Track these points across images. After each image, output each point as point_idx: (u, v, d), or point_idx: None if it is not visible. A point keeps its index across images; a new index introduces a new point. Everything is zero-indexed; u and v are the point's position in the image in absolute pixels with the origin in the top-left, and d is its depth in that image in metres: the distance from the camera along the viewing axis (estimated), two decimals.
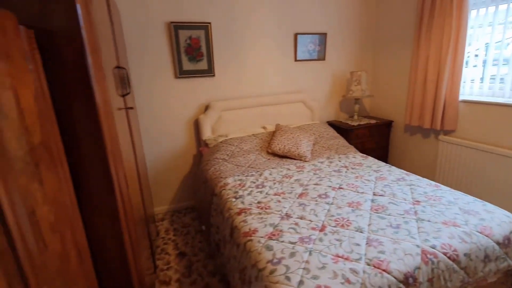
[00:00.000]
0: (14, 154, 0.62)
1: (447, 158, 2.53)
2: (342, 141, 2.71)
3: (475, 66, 2.38)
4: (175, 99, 2.67)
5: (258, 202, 1.64)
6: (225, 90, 2.82)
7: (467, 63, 2.39)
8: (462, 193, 1.66)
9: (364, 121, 3.06)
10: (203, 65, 2.68)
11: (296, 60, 3.00)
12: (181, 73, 2.62)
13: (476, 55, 2.36)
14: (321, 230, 1.32)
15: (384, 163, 2.20)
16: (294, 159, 2.37)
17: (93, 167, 1.04)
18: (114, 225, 1.12)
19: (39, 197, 0.71)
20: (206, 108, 2.75)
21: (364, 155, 2.43)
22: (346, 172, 2.05)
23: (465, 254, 1.20)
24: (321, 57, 3.10)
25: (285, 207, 1.56)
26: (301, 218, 1.44)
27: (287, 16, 2.86)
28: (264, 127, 2.85)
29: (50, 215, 0.75)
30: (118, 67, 1.48)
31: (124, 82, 1.57)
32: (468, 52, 2.37)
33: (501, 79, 2.22)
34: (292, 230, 1.33)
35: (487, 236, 1.28)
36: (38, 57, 0.83)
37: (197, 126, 2.77)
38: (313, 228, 1.34)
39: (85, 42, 0.96)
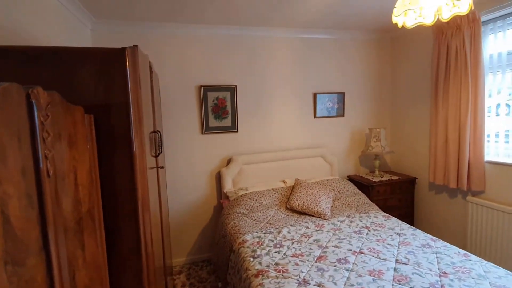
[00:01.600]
0: (68, 225, 0.74)
1: (477, 221, 2.39)
2: (363, 198, 2.67)
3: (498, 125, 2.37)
4: (200, 153, 2.85)
5: (276, 264, 1.63)
6: (247, 145, 2.97)
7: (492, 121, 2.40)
8: (493, 265, 1.55)
9: (386, 177, 3.03)
10: (227, 122, 2.90)
11: (315, 117, 3.16)
12: (207, 129, 2.84)
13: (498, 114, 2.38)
14: None
15: (408, 225, 2.13)
16: (313, 216, 2.36)
17: (126, 225, 1.14)
18: (138, 284, 1.18)
19: (80, 262, 0.80)
20: (229, 161, 2.89)
21: (387, 214, 2.37)
22: (367, 234, 2.00)
23: None
24: (340, 114, 3.24)
25: (303, 272, 1.54)
26: (319, 285, 1.41)
27: (306, 77, 3.10)
28: (284, 181, 2.90)
29: (86, 279, 0.83)
30: (154, 131, 1.67)
31: (157, 144, 1.75)
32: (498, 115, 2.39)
33: None
34: None
35: None
36: (94, 134, 1.00)
37: (219, 178, 2.89)
38: None
39: (131, 113, 1.14)
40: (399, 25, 1.48)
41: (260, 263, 1.65)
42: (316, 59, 3.12)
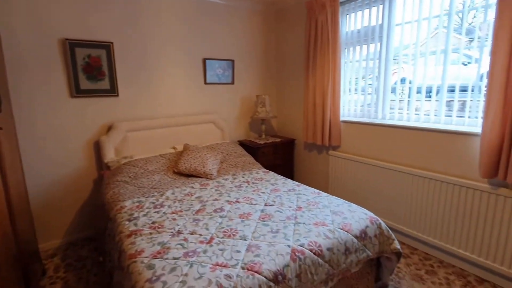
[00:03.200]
0: None
1: (336, 170, 2.96)
2: (249, 158, 2.90)
3: (355, 93, 2.91)
4: (71, 120, 2.46)
5: (153, 223, 1.62)
6: (131, 111, 2.74)
7: (350, 90, 2.91)
8: (335, 197, 1.97)
9: (270, 140, 3.35)
10: (104, 84, 2.57)
11: (206, 83, 3.15)
12: (78, 92, 2.45)
13: (356, 85, 2.91)
14: (208, 243, 1.38)
15: (282, 177, 2.44)
16: (201, 177, 2.43)
17: None
18: None
19: None
20: (109, 128, 2.61)
21: (267, 170, 2.65)
22: (246, 187, 2.20)
23: (328, 249, 1.42)
24: (230, 81, 3.32)
25: (178, 225, 1.58)
26: (192, 233, 1.48)
27: (196, 41, 3.01)
28: (174, 147, 2.84)
29: None
30: None
31: None
32: (350, 83, 2.89)
33: (368, 104, 2.77)
34: (179, 246, 1.36)
35: (347, 231, 1.55)
36: None
37: (98, 148, 2.59)
38: (200, 242, 1.39)
39: None
40: None
41: (135, 224, 1.60)
42: (207, 24, 3.05)
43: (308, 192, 2.04)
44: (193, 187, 2.19)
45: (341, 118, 2.90)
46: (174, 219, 1.65)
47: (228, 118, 3.39)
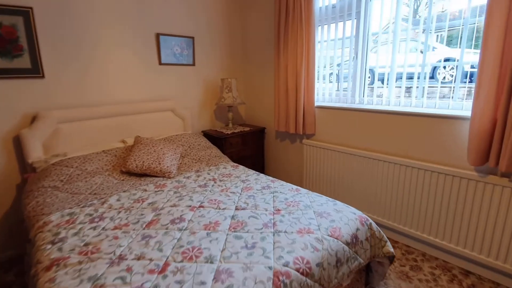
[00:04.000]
0: None
1: (311, 160, 2.71)
2: (214, 151, 2.52)
3: (330, 76, 2.65)
4: None
5: (85, 245, 1.20)
6: (64, 97, 2.19)
7: (324, 77, 2.64)
8: (317, 194, 1.70)
9: (238, 129, 2.99)
10: (23, 62, 1.99)
11: (161, 63, 2.66)
12: None
13: (330, 70, 2.64)
14: (160, 272, 1.02)
15: (253, 171, 2.12)
16: (156, 176, 2.01)
17: None
18: None
19: None
20: (33, 119, 2.05)
21: (236, 164, 2.31)
22: (212, 186, 1.84)
23: (317, 264, 1.14)
24: (190, 62, 2.87)
25: (121, 246, 1.18)
26: (139, 258, 1.10)
27: (147, 12, 2.50)
28: (123, 141, 2.36)
29: None
30: None
31: None
32: (324, 67, 2.62)
33: (345, 88, 2.53)
34: (119, 281, 0.97)
35: (336, 238, 1.28)
36: None
37: (19, 144, 2.03)
38: (150, 271, 1.02)
39: None
40: None
41: (60, 249, 1.17)
42: None
43: (285, 189, 1.75)
44: (145, 190, 1.77)
45: (316, 104, 2.63)
46: (116, 238, 1.24)
47: (189, 105, 2.96)
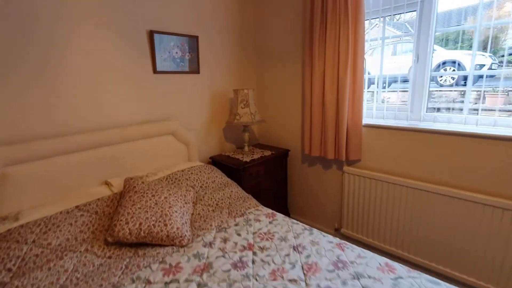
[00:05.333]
0: None
1: (354, 193, 2.11)
2: (235, 189, 1.86)
3: (373, 83, 2.07)
4: None
5: None
6: (15, 124, 1.46)
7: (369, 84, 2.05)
8: (431, 279, 1.08)
9: (257, 153, 2.35)
10: None
11: (156, 71, 1.98)
12: None
13: (369, 73, 2.06)
14: None
15: (301, 226, 1.48)
16: (162, 245, 1.33)
17: None
18: None
19: None
20: None
21: (270, 211, 1.66)
22: (253, 263, 1.19)
23: None
24: (194, 68, 2.20)
25: None
26: None
27: (135, 2, 1.81)
28: (108, 183, 1.66)
29: None
30: None
31: None
32: (369, 73, 2.03)
33: (403, 101, 1.96)
34: None
35: None
36: None
37: None
38: None
39: None
40: None
41: None
42: None
43: (372, 270, 1.12)
44: (148, 282, 1.09)
45: (364, 121, 2.03)
46: None
47: (193, 125, 2.28)
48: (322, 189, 2.39)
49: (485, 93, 1.64)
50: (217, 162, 2.27)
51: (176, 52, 2.06)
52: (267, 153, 2.37)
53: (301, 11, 2.23)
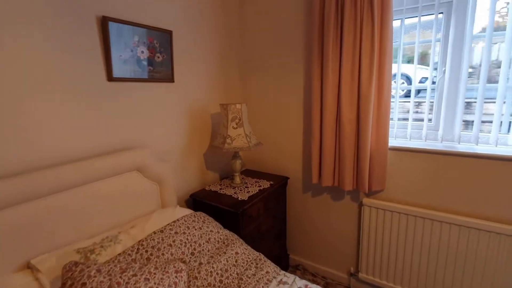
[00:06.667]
0: None
1: (376, 232, 1.71)
2: (240, 248, 1.29)
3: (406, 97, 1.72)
4: None
5: None
6: None
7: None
8: None
9: (253, 186, 1.81)
10: None
11: (111, 78, 1.32)
12: None
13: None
14: None
15: None
16: None
17: None
18: None
19: None
20: None
21: (304, 283, 1.14)
22: None
23: None
24: (167, 75, 1.59)
25: None
26: None
27: None
28: (31, 268, 0.96)
29: None
30: None
31: None
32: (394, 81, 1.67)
33: (430, 120, 1.64)
34: None
35: None
36: None
37: None
38: None
39: None
40: None
41: None
42: None
43: None
44: None
45: (390, 144, 1.66)
46: None
47: (168, 154, 1.65)
48: (332, 225, 1.96)
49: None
50: (201, 202, 1.66)
51: (142, 52, 1.43)
52: (265, 184, 1.85)
53: (302, 7, 1.80)
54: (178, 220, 1.27)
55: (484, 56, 1.40)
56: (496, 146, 1.43)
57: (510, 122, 1.41)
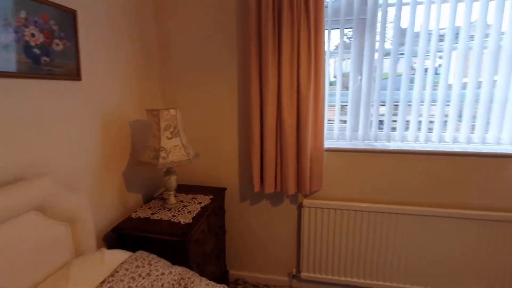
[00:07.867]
0: None
1: (315, 231, 1.79)
2: (199, 286, 1.06)
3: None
4: None
5: None
6: None
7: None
8: None
9: (190, 203, 1.56)
10: None
11: None
12: None
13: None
14: None
15: None
16: None
17: None
18: None
19: None
20: None
21: None
22: None
23: None
24: (71, 70, 1.15)
25: None
26: None
27: None
28: None
29: None
30: None
31: None
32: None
33: (342, 120, 1.83)
34: None
35: None
36: None
37: None
38: None
39: None
40: None
41: None
42: None
43: None
44: None
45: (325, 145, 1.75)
46: None
47: (79, 179, 1.20)
48: (272, 231, 1.93)
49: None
50: (129, 236, 1.30)
51: (33, 35, 0.97)
52: (204, 199, 1.63)
53: (234, 8, 1.68)
54: (117, 271, 0.92)
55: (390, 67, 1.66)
56: (415, 142, 1.72)
57: (419, 121, 1.71)
